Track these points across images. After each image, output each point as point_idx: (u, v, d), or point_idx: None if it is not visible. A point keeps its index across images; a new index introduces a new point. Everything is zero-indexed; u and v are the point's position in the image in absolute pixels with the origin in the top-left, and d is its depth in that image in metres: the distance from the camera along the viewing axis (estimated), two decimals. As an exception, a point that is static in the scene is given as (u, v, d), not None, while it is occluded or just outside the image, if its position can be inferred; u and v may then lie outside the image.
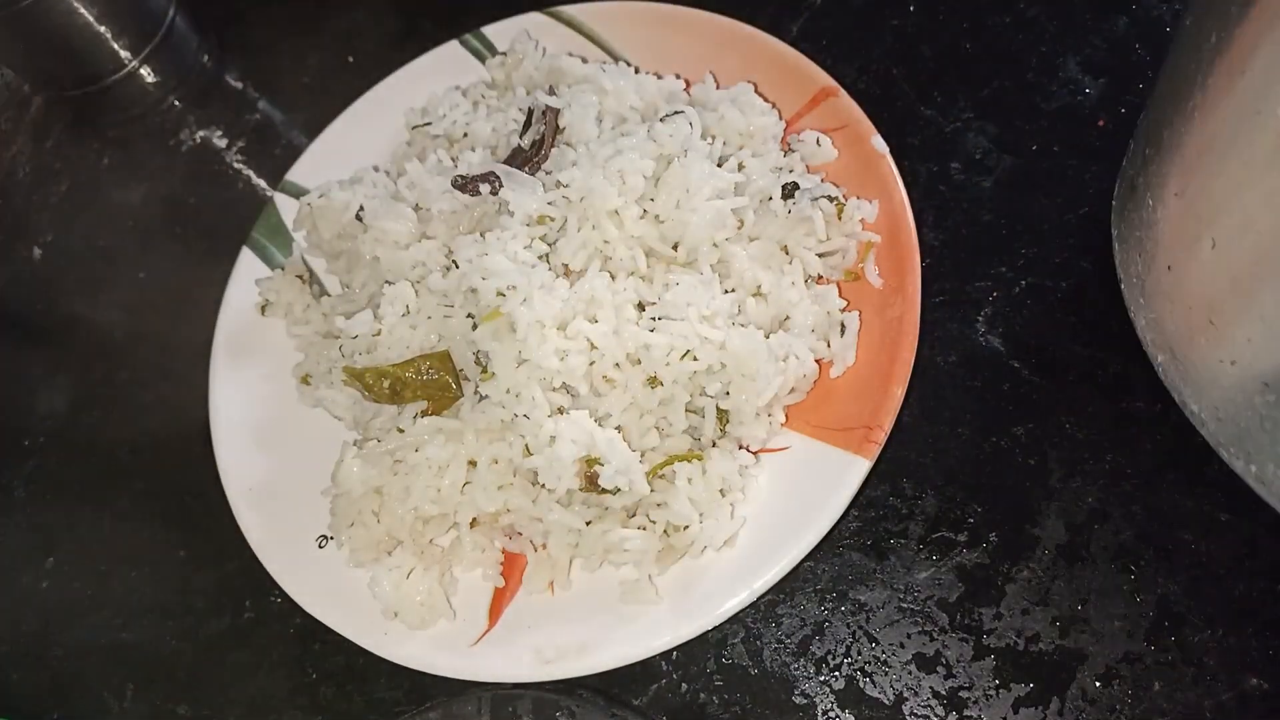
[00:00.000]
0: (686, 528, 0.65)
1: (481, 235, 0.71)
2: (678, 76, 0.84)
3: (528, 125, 0.79)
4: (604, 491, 0.65)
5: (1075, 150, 0.78)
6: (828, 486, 0.66)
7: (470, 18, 0.93)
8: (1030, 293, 0.74)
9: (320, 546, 0.74)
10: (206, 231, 0.99)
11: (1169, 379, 0.63)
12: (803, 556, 0.65)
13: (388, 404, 0.72)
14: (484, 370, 0.68)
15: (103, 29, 0.99)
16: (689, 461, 0.66)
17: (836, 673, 0.66)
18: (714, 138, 0.76)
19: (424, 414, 0.70)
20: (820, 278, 0.74)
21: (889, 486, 0.70)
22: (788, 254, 0.73)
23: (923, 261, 0.71)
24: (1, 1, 0.92)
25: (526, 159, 0.77)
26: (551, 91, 0.81)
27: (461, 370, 0.71)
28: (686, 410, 0.68)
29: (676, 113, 0.75)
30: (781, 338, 0.69)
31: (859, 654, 0.66)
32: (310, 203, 0.82)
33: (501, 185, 0.74)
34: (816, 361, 0.70)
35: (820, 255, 0.73)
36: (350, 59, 1.04)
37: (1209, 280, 0.54)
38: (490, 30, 0.92)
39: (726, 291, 0.70)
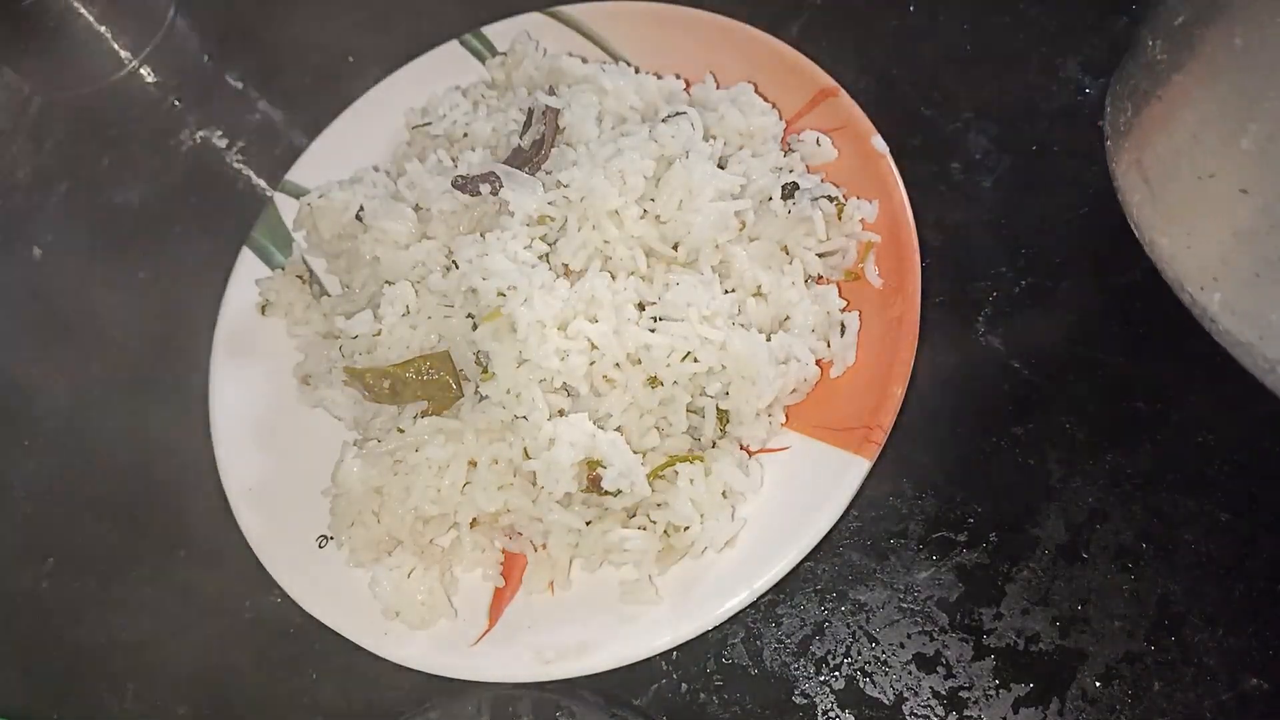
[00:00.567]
0: (687, 528, 0.65)
1: (481, 235, 0.71)
2: (678, 76, 0.84)
3: (528, 125, 0.79)
4: (605, 493, 0.65)
5: (1075, 150, 0.78)
6: (828, 486, 0.66)
7: (470, 18, 0.93)
8: (1030, 293, 0.74)
9: (320, 546, 0.74)
10: (206, 231, 0.99)
11: (1142, 217, 0.63)
12: (803, 556, 0.65)
13: (388, 404, 0.72)
14: (484, 370, 0.68)
15: (103, 29, 0.99)
16: (691, 463, 0.66)
17: (836, 673, 0.66)
18: (714, 138, 0.76)
19: (424, 414, 0.70)
20: (820, 278, 0.74)
21: (889, 486, 0.70)
22: (788, 254, 0.73)
23: (923, 261, 0.70)
24: (2, 2, 0.92)
25: (526, 159, 0.77)
26: (551, 91, 0.81)
27: (462, 370, 0.71)
28: (687, 410, 0.68)
29: (678, 113, 0.75)
30: (782, 338, 0.69)
31: (859, 654, 0.66)
32: (310, 203, 0.82)
33: (501, 185, 0.74)
34: (817, 362, 0.70)
35: (820, 255, 0.73)
36: (350, 59, 1.04)
37: (1203, 92, 0.56)
38: (490, 30, 0.92)
39: (727, 291, 0.70)
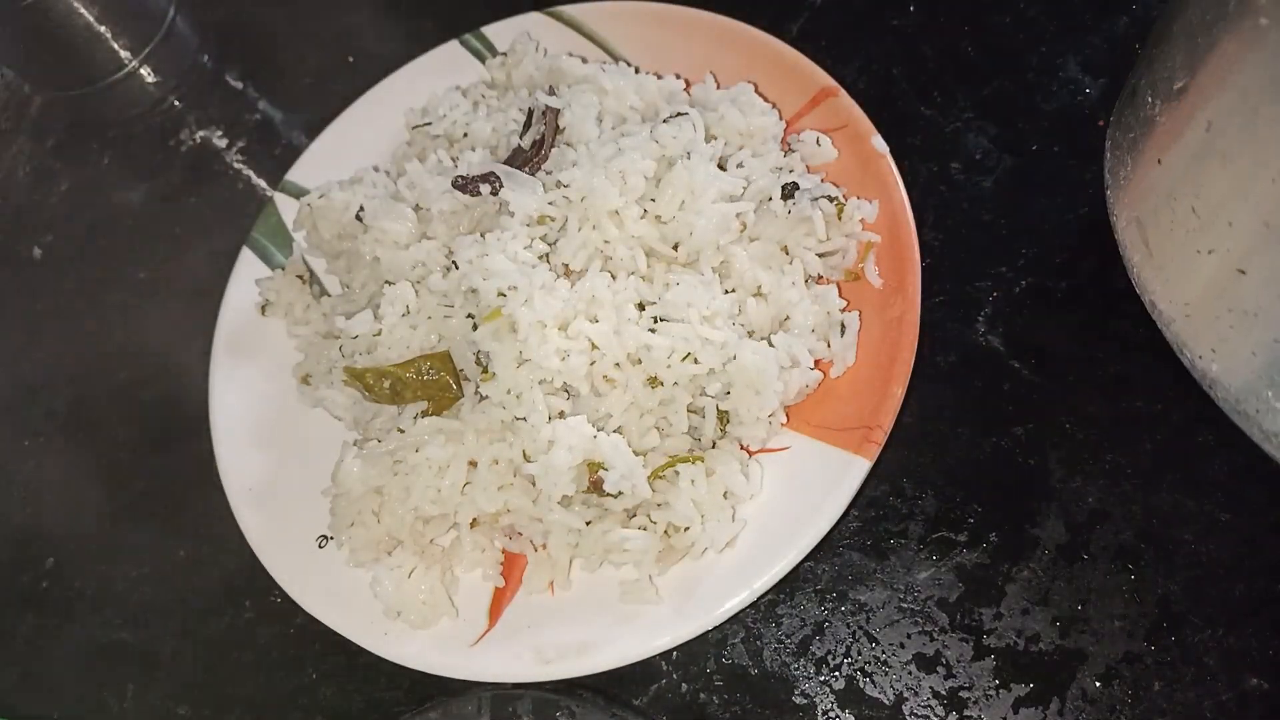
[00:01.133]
0: (688, 529, 0.65)
1: (482, 235, 0.71)
2: (678, 76, 0.84)
3: (528, 125, 0.79)
4: (607, 495, 0.65)
5: (1075, 150, 0.78)
6: (828, 486, 0.66)
7: (470, 18, 0.93)
8: (1030, 293, 0.74)
9: (320, 546, 0.74)
10: (206, 231, 0.99)
11: (1142, 279, 0.63)
12: (803, 556, 0.65)
13: (388, 404, 0.72)
14: (484, 370, 0.68)
15: (103, 29, 0.99)
16: (692, 463, 0.66)
17: (836, 673, 0.66)
18: (715, 139, 0.76)
19: (424, 414, 0.70)
20: (820, 278, 0.74)
21: (889, 486, 0.70)
22: (788, 254, 0.73)
23: (923, 261, 0.71)
24: (2, 2, 0.92)
25: (527, 159, 0.77)
26: (551, 91, 0.81)
27: (462, 370, 0.71)
28: (687, 410, 0.68)
29: (680, 114, 0.75)
30: (783, 340, 0.69)
31: (859, 654, 0.66)
32: (310, 203, 0.82)
33: (502, 185, 0.74)
34: (816, 362, 0.70)
35: (820, 255, 0.73)
36: (350, 59, 1.04)
37: (1200, 168, 0.56)
38: (490, 30, 0.92)
39: (727, 292, 0.70)
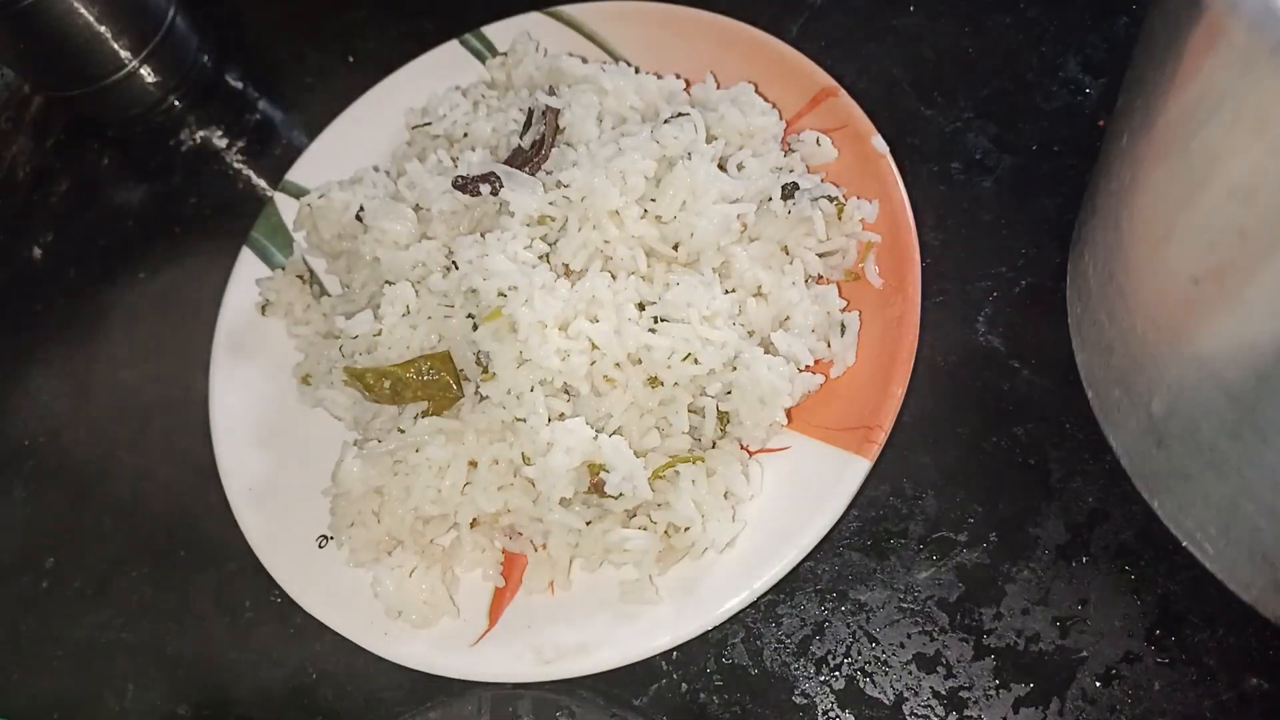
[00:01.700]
0: (688, 529, 0.65)
1: (482, 235, 0.71)
2: (678, 76, 0.84)
3: (528, 125, 0.79)
4: (607, 496, 0.65)
5: (1075, 150, 0.78)
6: (828, 486, 0.66)
7: (470, 18, 0.93)
8: (1030, 293, 0.74)
9: (320, 546, 0.74)
10: (206, 231, 0.99)
11: (1097, 413, 0.66)
12: (803, 556, 0.65)
13: (388, 404, 0.72)
14: (485, 370, 0.68)
15: (103, 29, 0.98)
16: (693, 464, 0.66)
17: (836, 673, 0.66)
18: (715, 139, 0.76)
19: (424, 414, 0.70)
20: (820, 278, 0.74)
21: (889, 486, 0.70)
22: (788, 254, 0.73)
23: (923, 261, 0.71)
24: (2, 1, 0.92)
25: (527, 159, 0.77)
26: (551, 91, 0.81)
27: (462, 370, 0.71)
28: (688, 410, 0.68)
29: (681, 114, 0.75)
30: (783, 339, 0.69)
31: (859, 654, 0.66)
32: (310, 203, 0.82)
33: (502, 185, 0.74)
34: (816, 362, 0.70)
35: (820, 255, 0.73)
36: (350, 59, 1.04)
37: (1128, 331, 0.57)
38: (490, 30, 0.92)
39: (727, 292, 0.70)
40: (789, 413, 0.70)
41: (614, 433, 0.67)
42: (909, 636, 0.66)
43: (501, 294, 0.68)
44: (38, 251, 1.04)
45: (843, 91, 0.78)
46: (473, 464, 0.68)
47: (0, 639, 0.84)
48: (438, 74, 0.91)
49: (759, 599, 0.65)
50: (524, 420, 0.66)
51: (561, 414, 0.67)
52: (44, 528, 0.88)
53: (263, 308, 0.84)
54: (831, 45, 0.88)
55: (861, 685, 0.66)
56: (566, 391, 0.68)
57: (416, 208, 0.78)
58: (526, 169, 0.75)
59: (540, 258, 0.70)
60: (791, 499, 0.67)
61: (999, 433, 0.70)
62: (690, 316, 0.67)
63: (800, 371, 0.69)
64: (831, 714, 0.65)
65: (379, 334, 0.72)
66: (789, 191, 0.73)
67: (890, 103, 0.84)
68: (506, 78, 0.88)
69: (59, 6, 0.95)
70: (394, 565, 0.69)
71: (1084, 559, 0.65)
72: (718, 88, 0.81)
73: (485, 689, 0.67)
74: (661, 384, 0.67)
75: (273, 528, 0.75)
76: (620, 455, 0.64)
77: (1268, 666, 0.60)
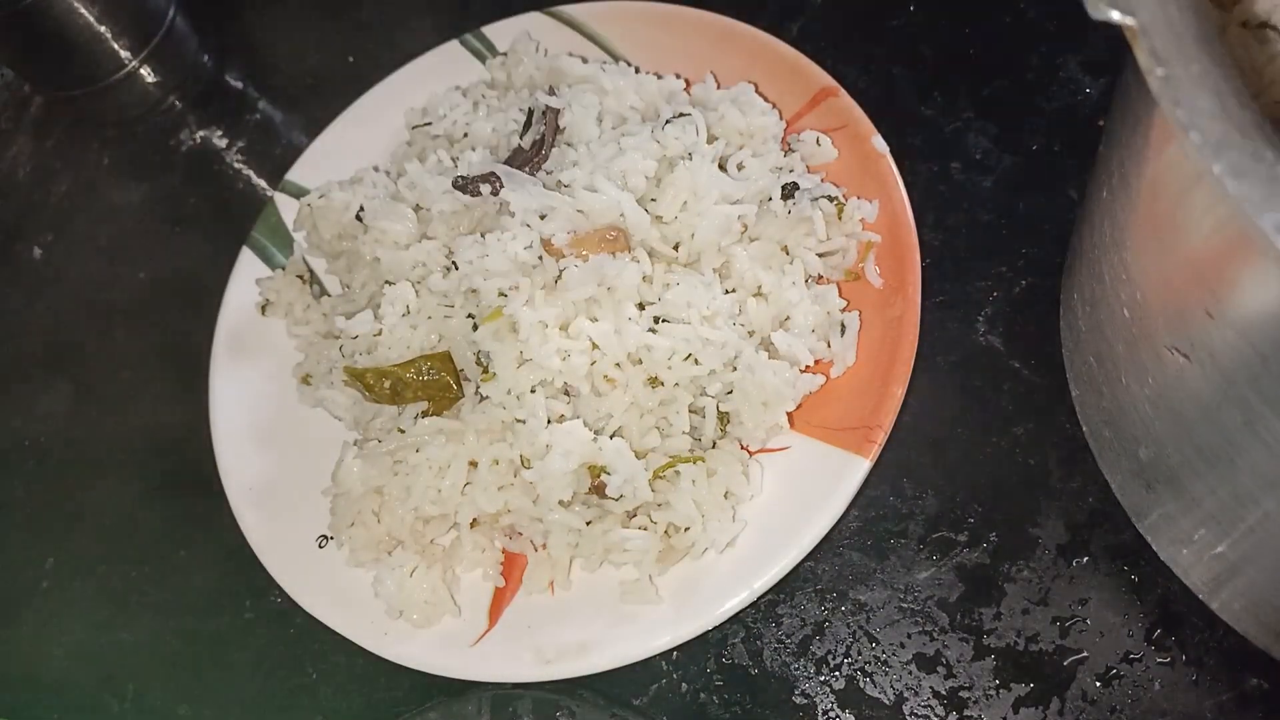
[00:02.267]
0: (688, 529, 0.65)
1: (482, 235, 0.71)
2: (678, 76, 0.84)
3: (528, 125, 0.79)
4: (607, 498, 0.65)
5: (1075, 150, 0.78)
6: (828, 486, 0.66)
7: (470, 18, 0.93)
8: (1030, 293, 0.74)
9: (320, 546, 0.74)
10: (206, 231, 0.99)
11: (1092, 448, 0.66)
12: (803, 556, 0.65)
13: (388, 404, 0.72)
14: (485, 370, 0.68)
15: (103, 29, 0.98)
16: (693, 464, 0.66)
17: (837, 673, 0.66)
18: (715, 139, 0.76)
19: (424, 414, 0.70)
20: (820, 278, 0.74)
21: (889, 486, 0.70)
22: (788, 254, 0.73)
23: (923, 261, 0.71)
24: (2, 1, 0.92)
25: (527, 159, 0.77)
26: (551, 91, 0.81)
27: (462, 370, 0.71)
28: (688, 410, 0.68)
29: (682, 114, 0.75)
30: (783, 339, 0.69)
31: (859, 654, 0.66)
32: (310, 203, 0.82)
33: (502, 185, 0.74)
34: (817, 361, 0.70)
35: (820, 255, 0.73)
36: (350, 59, 1.04)
37: (1114, 380, 0.57)
38: (490, 30, 0.92)
39: (727, 291, 0.70)
40: (789, 413, 0.70)
41: (614, 433, 0.67)
42: (909, 636, 0.66)
43: (502, 294, 0.68)
44: (38, 251, 1.04)
45: (843, 91, 0.78)
46: (473, 464, 0.68)
47: (0, 639, 0.84)
48: (438, 74, 0.91)
49: (759, 599, 0.65)
50: (523, 422, 0.66)
51: (561, 416, 0.67)
52: (44, 528, 0.88)
53: (263, 308, 0.84)
54: (831, 45, 0.88)
55: (861, 685, 0.66)
56: (566, 392, 0.68)
57: (416, 208, 0.78)
58: (526, 169, 0.75)
59: (540, 258, 0.70)
60: (791, 499, 0.67)
61: (999, 433, 0.70)
62: (690, 317, 0.67)
63: (801, 372, 0.69)
64: (831, 714, 0.65)
65: (379, 334, 0.72)
66: (789, 191, 0.73)
67: (890, 103, 0.84)
68: (506, 78, 0.88)
69: (59, 6, 0.95)
70: (395, 565, 0.69)
71: (1084, 559, 0.65)
72: (718, 88, 0.81)
73: (485, 689, 0.67)
74: (662, 384, 0.67)
75: (273, 528, 0.75)
76: (621, 458, 0.64)
77: (1268, 666, 0.60)
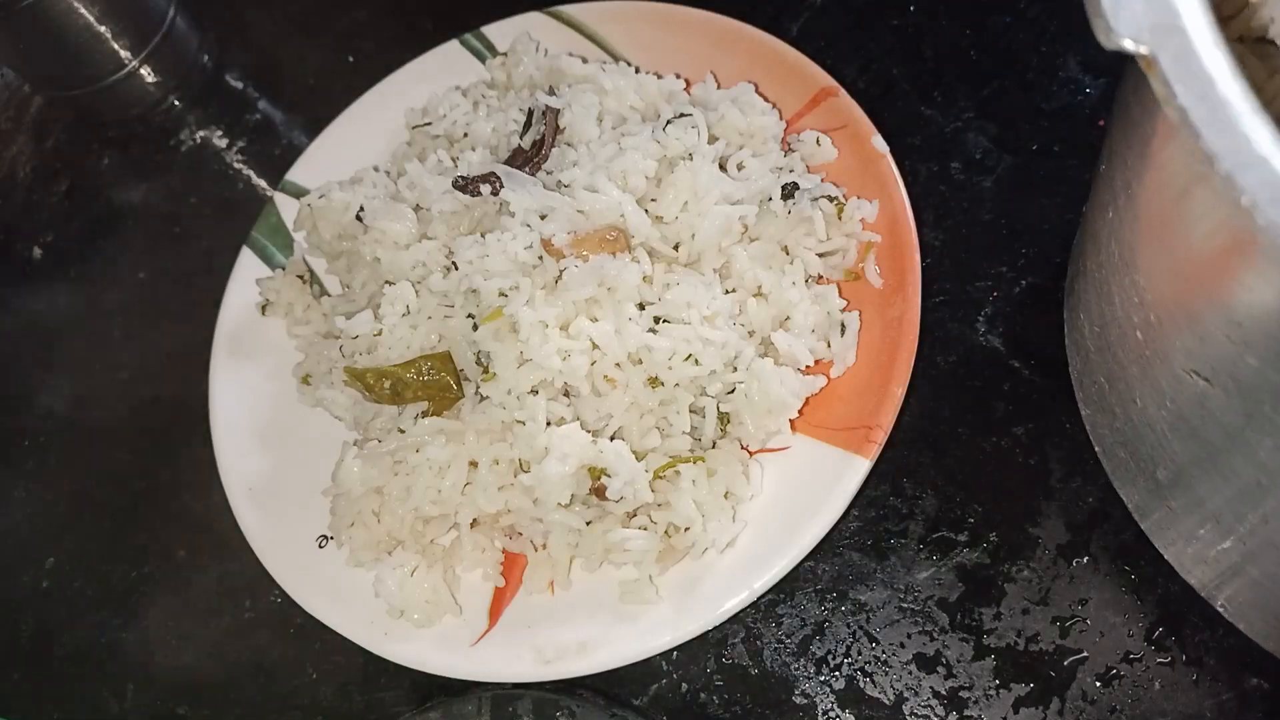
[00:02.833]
0: (688, 529, 0.65)
1: (482, 236, 0.71)
2: (678, 76, 0.84)
3: (528, 125, 0.79)
4: (607, 500, 0.65)
5: (1075, 150, 0.78)
6: (828, 486, 0.66)
7: (470, 18, 0.93)
8: (1030, 293, 0.74)
9: (320, 546, 0.74)
10: (206, 231, 0.99)
11: (1105, 466, 0.65)
12: (803, 556, 0.65)
13: (388, 404, 0.72)
14: (485, 371, 0.68)
15: (103, 29, 0.98)
16: (694, 464, 0.66)
17: (837, 673, 0.66)
18: (716, 139, 0.76)
19: (425, 414, 0.70)
20: (820, 278, 0.74)
21: (889, 486, 0.70)
22: (788, 254, 0.73)
23: (923, 261, 0.71)
24: (2, 2, 0.92)
25: (527, 159, 0.77)
26: (551, 91, 0.81)
27: (462, 371, 0.71)
28: (689, 410, 0.68)
29: (683, 115, 0.75)
30: (783, 339, 0.69)
31: (859, 654, 0.66)
32: (310, 203, 0.82)
33: (502, 185, 0.74)
34: (817, 361, 0.70)
35: (820, 255, 0.73)
36: (350, 59, 1.04)
37: (1128, 402, 0.57)
38: (490, 30, 0.92)
39: (727, 292, 0.70)
40: (789, 413, 0.70)
41: (614, 434, 0.67)
42: (909, 636, 0.66)
43: (502, 294, 0.68)
44: (38, 251, 1.04)
45: (843, 91, 0.78)
46: (473, 464, 0.68)
47: (0, 639, 0.84)
48: (438, 74, 0.91)
49: (759, 599, 0.65)
50: (523, 424, 0.66)
51: (561, 419, 0.67)
52: (44, 528, 0.88)
53: (263, 308, 0.84)
54: (831, 45, 0.88)
55: (861, 685, 0.66)
56: (566, 393, 0.68)
57: (416, 208, 0.78)
58: (526, 169, 0.75)
59: (540, 258, 0.70)
60: (791, 499, 0.67)
61: (999, 433, 0.70)
62: (691, 317, 0.67)
63: (804, 375, 0.69)
64: (831, 714, 0.65)
65: (379, 334, 0.72)
66: (789, 191, 0.73)
67: (890, 103, 0.84)
68: (506, 78, 0.88)
69: (59, 6, 0.95)
70: (396, 564, 0.69)
71: (1084, 559, 0.65)
72: (718, 88, 0.81)
73: (485, 689, 0.67)
74: (662, 384, 0.67)
75: (273, 528, 0.75)
76: (622, 461, 0.64)
77: (1268, 666, 0.60)
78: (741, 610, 0.65)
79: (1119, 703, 0.61)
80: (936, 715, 0.64)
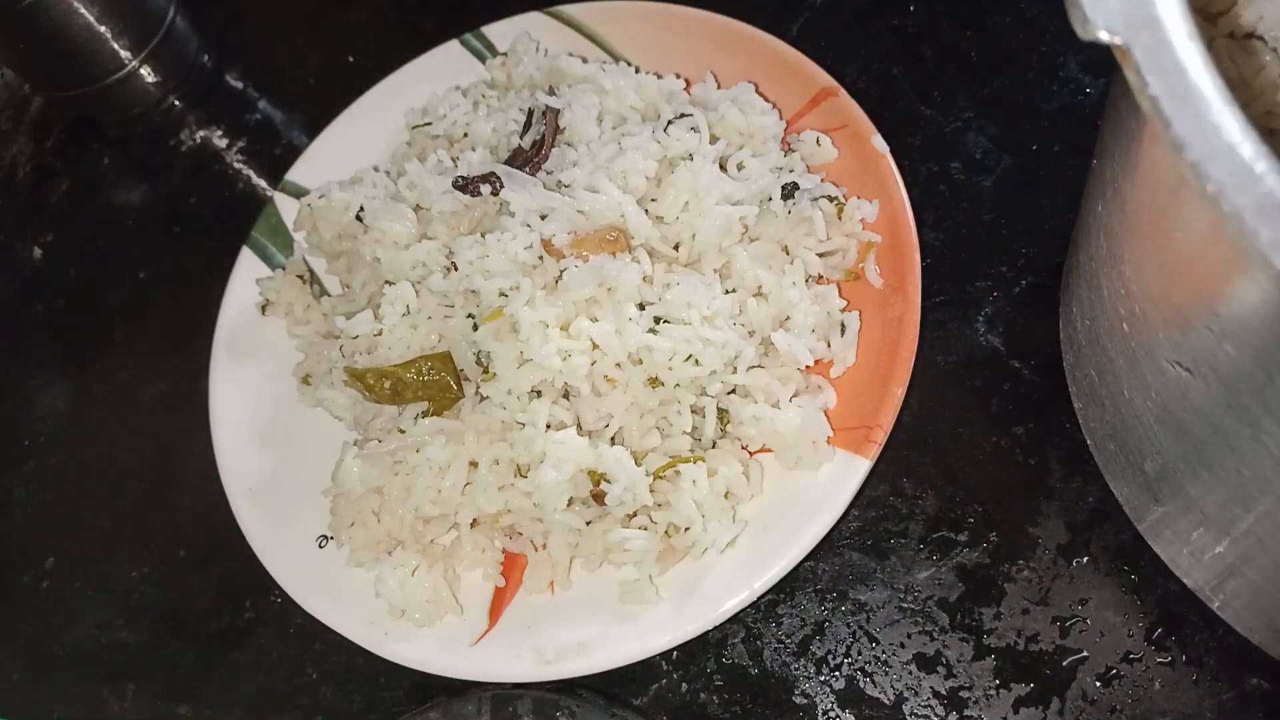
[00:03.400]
0: (688, 529, 0.65)
1: (482, 236, 0.71)
2: (678, 76, 0.84)
3: (528, 125, 0.79)
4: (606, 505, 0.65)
5: (1075, 150, 0.78)
6: (828, 486, 0.66)
7: (470, 18, 0.93)
8: (1030, 293, 0.74)
9: (320, 546, 0.74)
10: (206, 231, 0.99)
11: (1097, 461, 0.65)
12: (803, 556, 0.65)
13: (388, 404, 0.72)
14: (485, 371, 0.68)
15: (103, 29, 0.98)
16: (694, 464, 0.66)
17: (837, 673, 0.66)
18: (717, 139, 0.76)
19: (425, 414, 0.70)
20: (820, 278, 0.74)
21: (889, 486, 0.70)
22: (788, 254, 0.73)
23: (923, 261, 0.71)
24: (2, 2, 0.92)
25: (527, 159, 0.77)
26: (551, 91, 0.81)
27: (462, 371, 0.71)
28: (690, 410, 0.68)
29: (684, 115, 0.75)
30: (784, 339, 0.69)
31: (859, 654, 0.66)
32: (310, 203, 0.82)
33: (502, 185, 0.74)
34: (817, 361, 0.70)
35: (820, 255, 0.73)
36: (350, 59, 1.04)
37: (1117, 394, 0.57)
38: (490, 30, 0.92)
39: (727, 292, 0.70)
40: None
41: (615, 435, 0.67)
42: (909, 636, 0.66)
43: (502, 294, 0.68)
44: (38, 251, 1.04)
45: (843, 91, 0.78)
46: (473, 464, 0.68)
47: (0, 639, 0.84)
48: (438, 74, 0.91)
49: (759, 599, 0.65)
50: (523, 426, 0.66)
51: (561, 423, 0.67)
52: (44, 528, 0.88)
53: (263, 308, 0.84)
54: (831, 45, 0.88)
55: (861, 685, 0.66)
56: (567, 394, 0.68)
57: (416, 208, 0.78)
58: (526, 169, 0.75)
59: (540, 258, 0.70)
60: (791, 499, 0.67)
61: (999, 433, 0.70)
62: (691, 317, 0.67)
63: (810, 379, 0.69)
64: (832, 714, 0.65)
65: (379, 334, 0.72)
66: (789, 191, 0.73)
67: (890, 103, 0.84)
68: (506, 78, 0.88)
69: (59, 6, 0.95)
70: (397, 564, 0.69)
71: (1084, 559, 0.65)
72: (718, 88, 0.81)
73: (485, 689, 0.67)
74: (662, 384, 0.67)
75: (273, 528, 0.75)
76: (621, 467, 0.64)
77: (1268, 666, 0.60)
78: (741, 610, 0.65)
79: (1119, 703, 0.61)
80: (936, 715, 0.64)
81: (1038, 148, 0.79)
